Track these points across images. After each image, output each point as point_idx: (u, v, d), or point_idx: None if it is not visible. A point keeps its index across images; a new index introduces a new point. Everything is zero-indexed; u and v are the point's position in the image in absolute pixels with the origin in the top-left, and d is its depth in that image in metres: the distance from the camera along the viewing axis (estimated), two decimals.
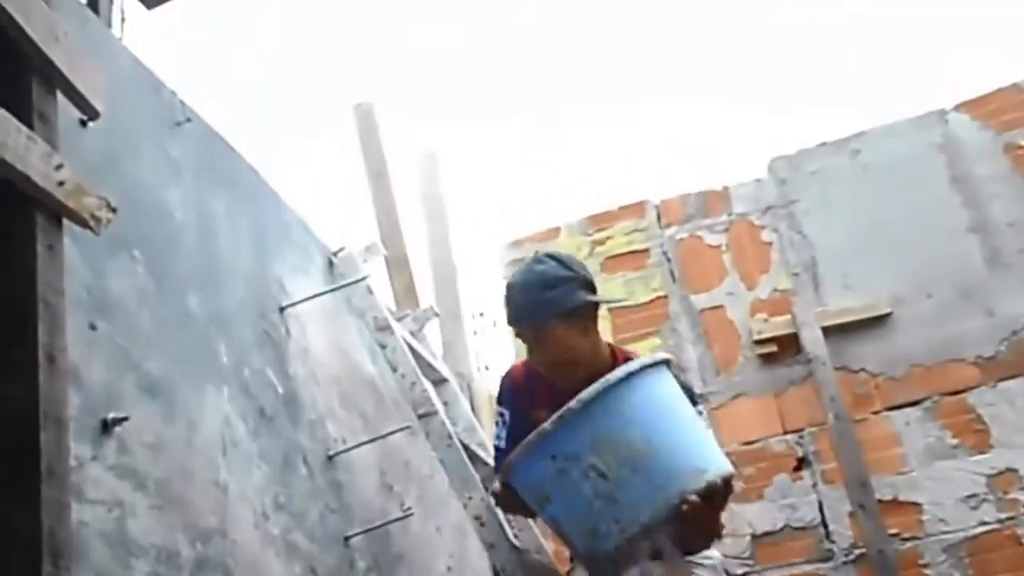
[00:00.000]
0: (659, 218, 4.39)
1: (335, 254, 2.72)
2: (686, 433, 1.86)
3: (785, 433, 3.87)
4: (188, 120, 2.01)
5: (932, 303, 3.91)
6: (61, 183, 1.29)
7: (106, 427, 1.39)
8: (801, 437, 3.84)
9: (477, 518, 2.22)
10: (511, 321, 2.19)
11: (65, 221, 1.33)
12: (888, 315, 3.94)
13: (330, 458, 2.30)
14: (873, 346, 3.92)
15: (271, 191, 2.43)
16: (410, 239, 4.38)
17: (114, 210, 1.42)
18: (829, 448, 3.76)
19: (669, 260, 4.29)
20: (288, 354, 2.24)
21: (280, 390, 2.12)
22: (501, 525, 2.21)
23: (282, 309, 2.28)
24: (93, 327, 1.44)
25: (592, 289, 2.18)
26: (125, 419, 1.41)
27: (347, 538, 2.23)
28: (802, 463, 3.81)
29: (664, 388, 1.90)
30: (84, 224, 1.36)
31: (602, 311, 2.27)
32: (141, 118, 1.83)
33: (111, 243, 1.53)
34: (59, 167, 1.30)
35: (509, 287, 2.18)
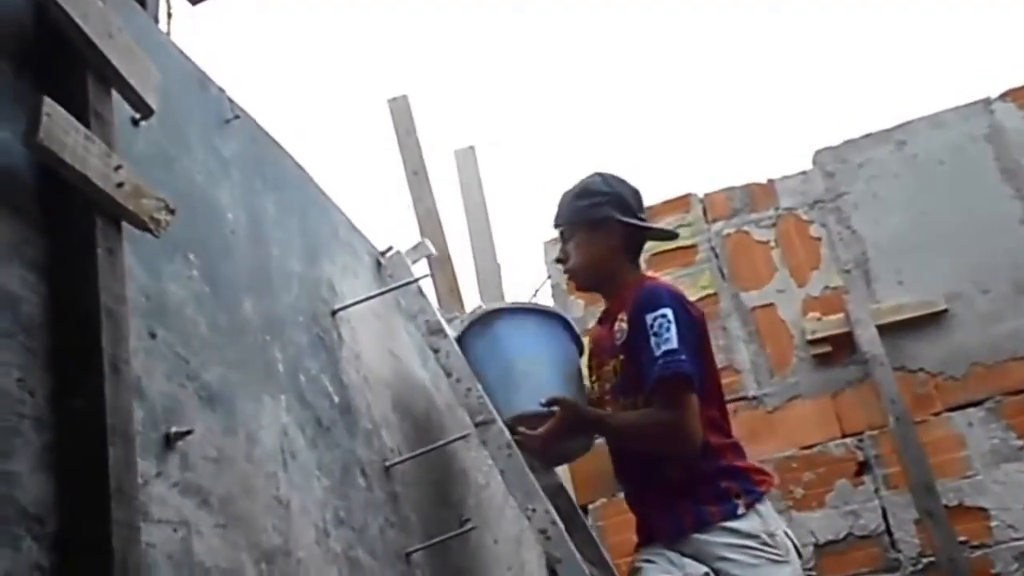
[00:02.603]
0: (704, 212, 4.31)
1: (383, 254, 2.64)
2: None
3: (844, 436, 3.77)
4: (237, 117, 1.94)
5: (989, 299, 3.81)
6: (120, 184, 1.22)
7: (169, 441, 1.32)
8: (861, 440, 3.75)
9: (542, 532, 2.14)
10: (553, 222, 2.51)
11: (123, 224, 1.27)
12: (944, 312, 3.85)
13: (387, 469, 2.22)
14: (930, 345, 3.82)
15: (318, 189, 2.36)
16: (451, 238, 4.32)
17: (172, 212, 1.35)
18: (891, 452, 3.66)
19: (717, 256, 4.20)
20: (341, 360, 2.17)
21: (336, 398, 2.05)
22: (568, 539, 2.13)
23: (334, 313, 2.21)
24: (152, 335, 1.37)
25: (626, 211, 2.40)
26: (189, 432, 1.34)
27: (408, 554, 2.16)
28: (863, 468, 3.71)
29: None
30: (143, 227, 1.29)
31: None
32: (190, 116, 1.76)
33: (166, 246, 1.46)
34: (118, 168, 1.23)
35: (561, 195, 2.50)
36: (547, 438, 2.26)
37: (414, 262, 2.68)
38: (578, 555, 2.12)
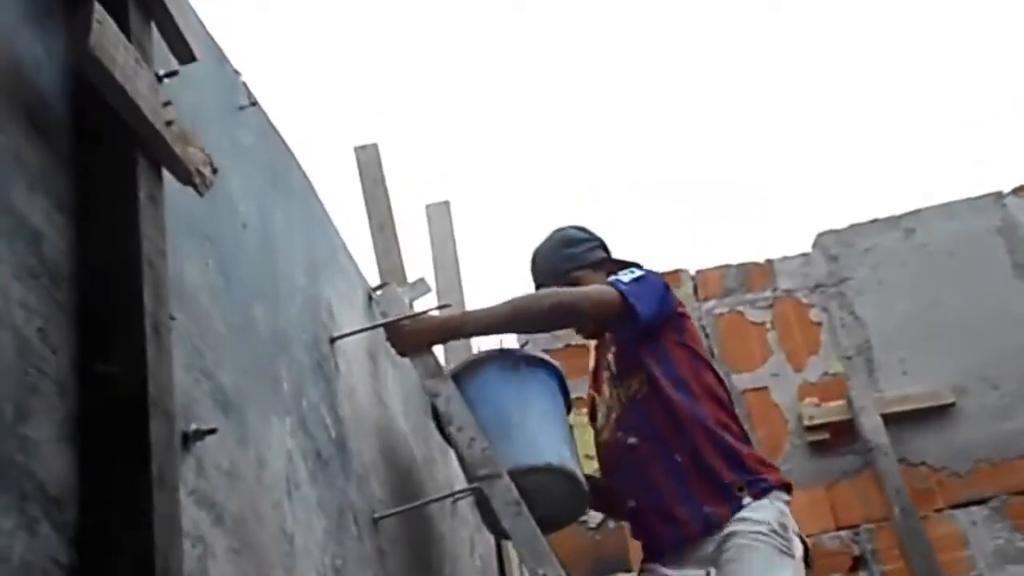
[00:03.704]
0: (695, 290, 4.23)
1: (375, 290, 2.50)
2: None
3: (839, 529, 3.66)
4: (253, 104, 1.80)
5: (997, 395, 3.77)
6: (169, 123, 1.08)
7: (186, 441, 1.15)
8: (857, 534, 3.63)
9: None
10: (540, 281, 2.54)
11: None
12: (951, 405, 3.79)
13: (375, 521, 2.04)
14: (934, 438, 3.76)
15: (321, 205, 2.22)
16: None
17: (216, 171, 1.20)
18: (890, 547, 3.55)
19: (707, 336, 4.10)
20: (338, 393, 2.00)
21: (332, 433, 1.88)
22: None
23: (332, 340, 2.05)
24: (172, 317, 1.21)
25: (609, 252, 2.56)
26: (212, 432, 1.17)
27: None
28: (859, 563, 3.59)
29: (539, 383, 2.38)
30: (187, 179, 1.14)
31: None
32: (208, 92, 1.62)
33: (184, 221, 1.31)
34: (166, 104, 1.08)
35: (534, 253, 2.58)
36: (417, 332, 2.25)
37: (411, 301, 2.53)
38: None
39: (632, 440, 2.38)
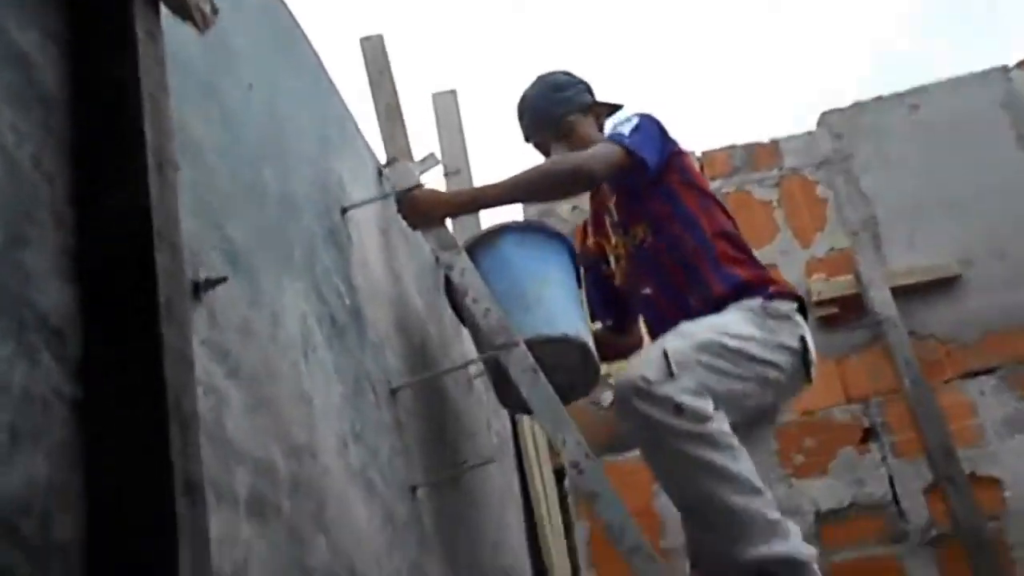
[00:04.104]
0: (702, 171, 4.13)
1: (385, 165, 2.41)
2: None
3: (849, 402, 3.62)
4: None
5: (1005, 266, 3.69)
6: None
7: (197, 290, 1.08)
8: (867, 406, 3.60)
9: (574, 465, 1.92)
10: (528, 131, 2.56)
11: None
12: (957, 277, 3.72)
13: (392, 392, 1.99)
14: (941, 310, 3.69)
15: (329, 80, 2.12)
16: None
17: (216, 11, 1.11)
18: (900, 418, 3.51)
19: None
20: (351, 262, 1.93)
21: (347, 301, 1.82)
22: (603, 472, 1.92)
23: (344, 210, 1.97)
24: (176, 167, 1.13)
25: (594, 95, 2.55)
26: (223, 280, 1.10)
27: (413, 488, 1.93)
28: (869, 435, 3.56)
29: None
30: (187, 15, 1.04)
31: None
32: None
33: (183, 69, 1.22)
34: None
35: (521, 100, 2.57)
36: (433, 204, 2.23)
37: (421, 175, 2.44)
38: (613, 490, 1.92)
39: (646, 290, 2.38)
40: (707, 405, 2.05)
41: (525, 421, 3.27)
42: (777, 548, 1.99)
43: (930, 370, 3.57)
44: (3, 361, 0.69)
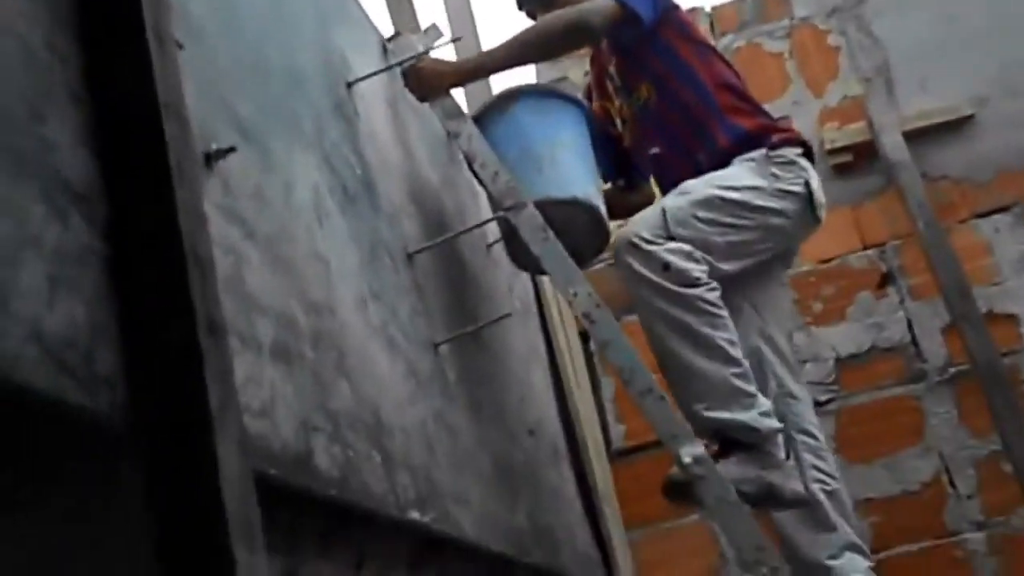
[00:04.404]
0: (712, 27, 4.12)
1: (388, 40, 2.46)
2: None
3: (865, 248, 3.69)
4: None
5: (1018, 104, 3.70)
6: None
7: (208, 161, 1.17)
8: (883, 251, 3.67)
9: (586, 315, 2.04)
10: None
11: None
12: (970, 117, 3.73)
13: (409, 256, 2.09)
14: (954, 151, 3.72)
15: None
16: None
17: None
18: (916, 261, 3.58)
19: None
20: (360, 135, 2.01)
21: (358, 171, 1.90)
22: (614, 321, 2.03)
23: (349, 85, 2.04)
24: (180, 45, 1.21)
25: None
26: (232, 150, 1.19)
27: (436, 345, 2.05)
28: (886, 279, 3.64)
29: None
30: None
31: None
32: None
33: None
34: None
35: None
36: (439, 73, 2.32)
37: (426, 48, 2.49)
38: (624, 337, 2.03)
39: (655, 150, 2.45)
40: (696, 269, 2.14)
41: (546, 283, 3.38)
42: (737, 414, 2.10)
43: (945, 211, 3.62)
44: (38, 221, 0.79)
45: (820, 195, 2.37)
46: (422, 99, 2.33)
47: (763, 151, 2.32)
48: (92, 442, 0.82)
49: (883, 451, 3.45)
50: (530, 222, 2.13)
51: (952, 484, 3.40)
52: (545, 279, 3.41)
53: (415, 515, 1.43)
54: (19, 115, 0.82)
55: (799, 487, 2.15)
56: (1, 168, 0.76)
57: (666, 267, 2.13)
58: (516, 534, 2.09)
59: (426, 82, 2.29)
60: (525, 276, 3.33)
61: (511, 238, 2.34)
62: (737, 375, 2.12)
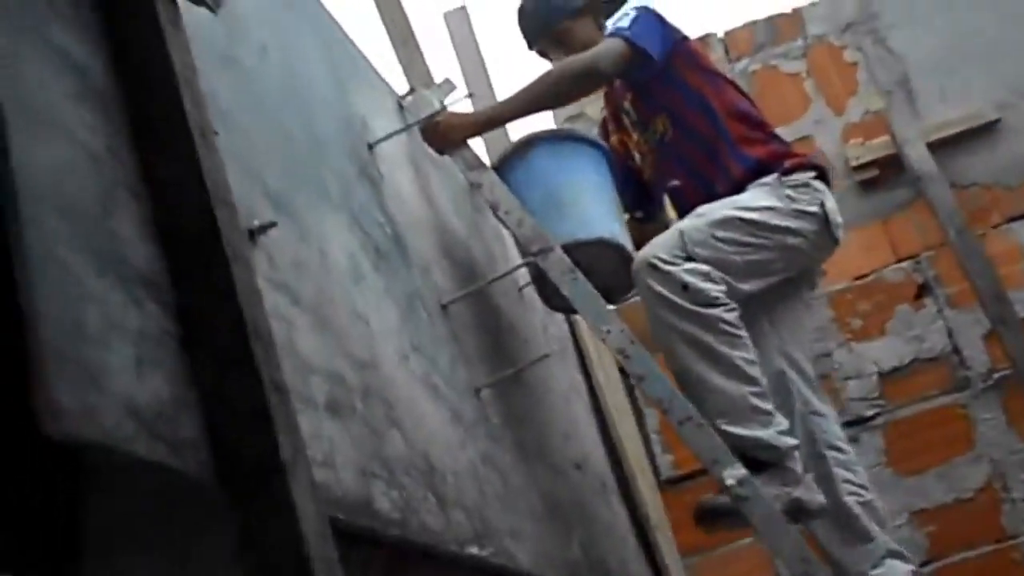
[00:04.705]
0: (727, 52, 4.25)
1: (403, 97, 2.61)
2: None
3: (899, 261, 3.79)
4: None
5: None
6: None
7: (252, 236, 1.31)
8: (918, 263, 3.76)
9: (620, 351, 2.15)
10: (530, 40, 2.77)
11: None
12: (996, 122, 3.83)
13: (443, 308, 2.22)
14: (981, 158, 3.82)
15: (336, 23, 2.32)
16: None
17: None
18: (951, 269, 3.67)
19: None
20: (385, 196, 2.15)
21: (387, 230, 2.04)
22: (648, 356, 2.15)
23: (371, 147, 2.19)
24: (215, 133, 1.35)
25: None
26: (272, 225, 1.33)
27: (477, 390, 2.17)
28: (923, 290, 3.73)
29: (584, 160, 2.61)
30: (201, 0, 1.26)
31: None
32: None
33: (205, 44, 1.43)
34: None
35: (520, 8, 2.76)
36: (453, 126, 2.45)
37: (440, 102, 2.64)
38: (659, 370, 2.15)
39: (674, 182, 2.56)
40: (714, 289, 2.25)
41: (582, 323, 3.50)
42: (755, 431, 2.21)
43: (976, 218, 3.72)
44: (119, 308, 0.92)
45: (836, 216, 2.48)
46: (441, 152, 2.47)
47: (775, 176, 2.44)
48: (185, 498, 0.96)
49: (934, 461, 3.54)
50: (558, 265, 2.25)
51: (1006, 488, 3.47)
52: (579, 318, 3.53)
53: (473, 550, 1.55)
54: (93, 213, 0.96)
55: (822, 499, 2.25)
56: (85, 262, 0.90)
57: (685, 287, 2.25)
58: (571, 566, 2.20)
59: (443, 136, 2.43)
60: (560, 316, 3.46)
61: (541, 281, 2.46)
62: (755, 394, 2.23)
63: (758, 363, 2.27)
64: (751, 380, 2.24)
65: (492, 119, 2.52)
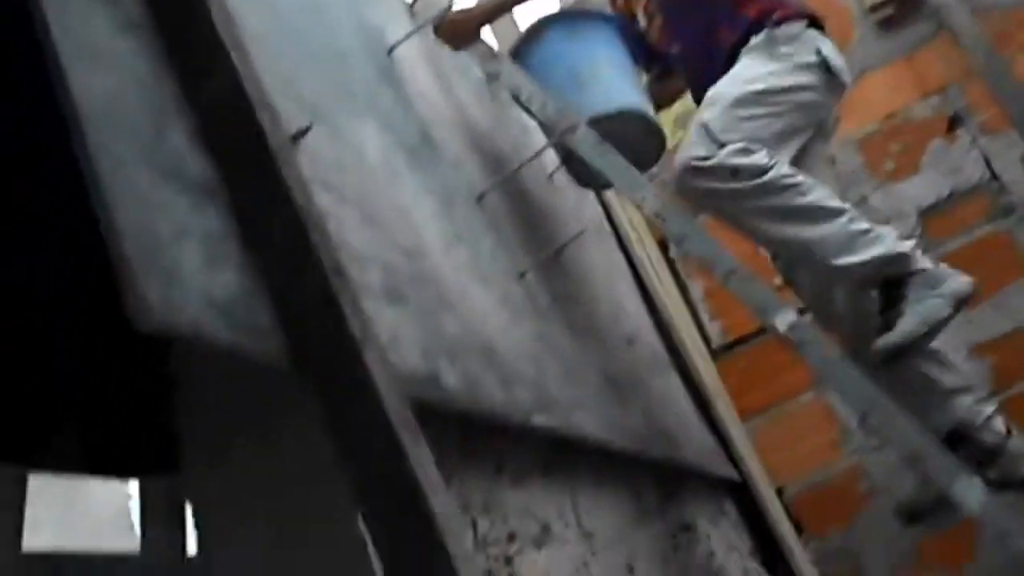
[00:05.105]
0: None
1: (412, 3, 2.66)
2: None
3: (927, 96, 3.80)
4: None
5: None
6: None
7: (294, 140, 1.38)
8: (946, 96, 3.77)
9: (657, 215, 2.22)
10: None
11: None
12: None
13: (478, 199, 2.30)
14: None
15: None
16: None
17: None
18: (981, 98, 3.68)
19: None
20: (409, 96, 2.22)
21: (415, 129, 2.12)
22: (686, 215, 2.22)
23: (389, 52, 2.25)
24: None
25: None
26: (309, 128, 1.40)
27: (521, 274, 2.26)
28: (955, 122, 3.75)
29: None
30: None
31: None
32: None
33: None
34: None
35: None
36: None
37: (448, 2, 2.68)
38: (697, 227, 2.22)
39: (675, 47, 2.61)
40: (760, 158, 2.30)
41: (615, 203, 3.57)
42: (872, 252, 2.28)
43: (1001, 42, 3.71)
44: (185, 214, 1.01)
45: (836, 59, 2.51)
46: (456, 48, 2.52)
47: (762, 35, 2.47)
48: (265, 387, 1.06)
49: (986, 292, 3.59)
50: (587, 139, 2.31)
51: None
52: (612, 198, 3.60)
53: (540, 420, 1.65)
54: (148, 133, 1.04)
55: (967, 278, 2.31)
56: (149, 177, 0.99)
57: (735, 172, 2.31)
58: (635, 433, 2.30)
59: (456, 32, 2.48)
60: (593, 199, 3.53)
61: (571, 159, 2.53)
62: (850, 219, 2.30)
63: (830, 190, 2.34)
64: (838, 211, 2.30)
65: (500, 5, 2.56)
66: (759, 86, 2.41)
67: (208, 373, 1.15)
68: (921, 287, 2.26)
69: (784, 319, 2.12)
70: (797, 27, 2.49)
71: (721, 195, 2.34)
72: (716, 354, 3.77)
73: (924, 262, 2.31)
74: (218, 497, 1.17)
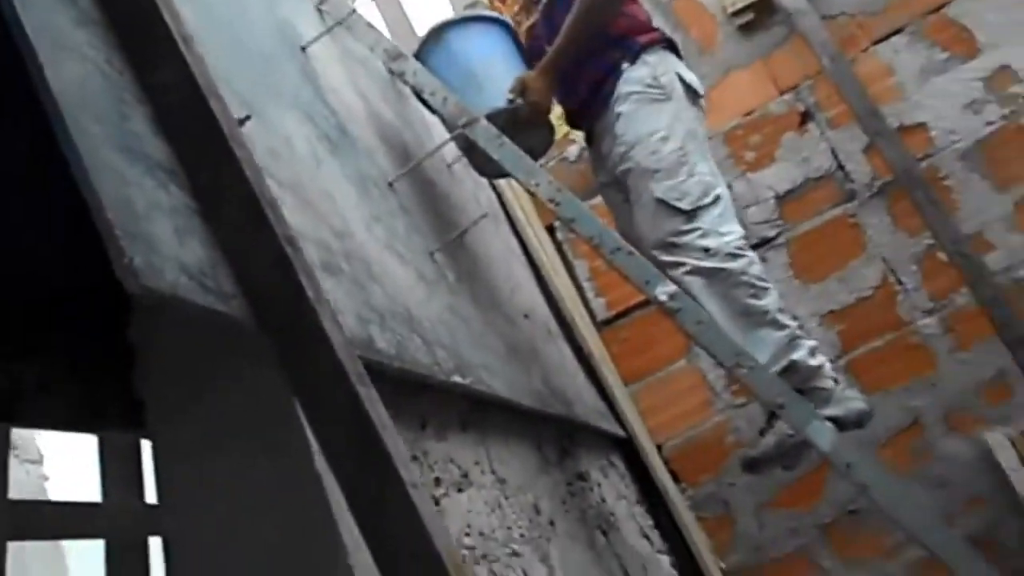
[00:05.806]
0: None
1: (321, 4, 2.68)
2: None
3: (782, 94, 3.97)
4: None
5: None
6: None
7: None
8: (798, 93, 3.95)
9: (551, 200, 2.30)
10: None
11: None
12: None
13: (390, 185, 2.35)
14: None
15: None
16: None
17: None
18: (828, 95, 3.87)
19: None
20: (324, 91, 2.25)
21: (333, 121, 2.15)
22: (579, 201, 2.30)
23: (303, 48, 2.28)
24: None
25: None
26: (248, 118, 1.44)
27: (431, 253, 2.32)
28: (805, 117, 3.93)
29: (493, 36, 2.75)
30: None
31: None
32: None
33: None
34: None
35: None
36: (541, 91, 2.60)
37: (353, 1, 2.72)
38: (588, 211, 2.31)
39: (546, 46, 2.72)
40: (730, 234, 2.48)
41: (507, 191, 3.65)
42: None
43: (847, 44, 3.90)
44: (153, 191, 1.05)
45: (689, 75, 2.67)
46: (543, 117, 2.67)
47: (633, 59, 2.63)
48: (227, 345, 1.10)
49: (833, 267, 3.79)
50: (485, 133, 2.38)
51: (899, 281, 3.74)
52: (505, 187, 3.68)
53: (458, 379, 1.71)
54: (114, 118, 1.07)
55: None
56: (121, 158, 1.02)
57: (707, 251, 2.45)
58: (537, 394, 2.39)
59: (540, 101, 2.63)
60: (487, 187, 3.60)
61: (471, 150, 2.60)
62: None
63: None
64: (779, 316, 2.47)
65: (555, 63, 2.65)
66: (665, 131, 2.58)
67: (168, 338, 1.19)
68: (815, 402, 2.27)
69: (664, 289, 2.22)
70: (657, 55, 2.67)
71: (700, 272, 2.54)
72: (600, 327, 3.89)
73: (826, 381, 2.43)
74: (179, 448, 1.21)
